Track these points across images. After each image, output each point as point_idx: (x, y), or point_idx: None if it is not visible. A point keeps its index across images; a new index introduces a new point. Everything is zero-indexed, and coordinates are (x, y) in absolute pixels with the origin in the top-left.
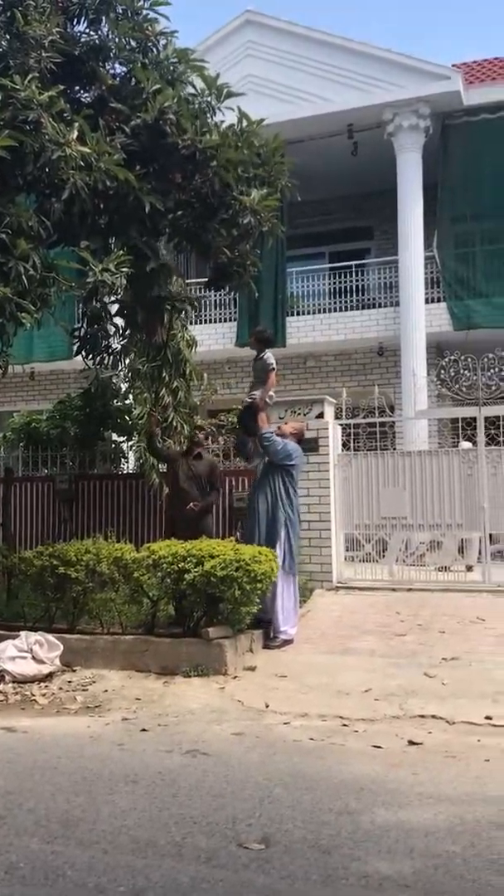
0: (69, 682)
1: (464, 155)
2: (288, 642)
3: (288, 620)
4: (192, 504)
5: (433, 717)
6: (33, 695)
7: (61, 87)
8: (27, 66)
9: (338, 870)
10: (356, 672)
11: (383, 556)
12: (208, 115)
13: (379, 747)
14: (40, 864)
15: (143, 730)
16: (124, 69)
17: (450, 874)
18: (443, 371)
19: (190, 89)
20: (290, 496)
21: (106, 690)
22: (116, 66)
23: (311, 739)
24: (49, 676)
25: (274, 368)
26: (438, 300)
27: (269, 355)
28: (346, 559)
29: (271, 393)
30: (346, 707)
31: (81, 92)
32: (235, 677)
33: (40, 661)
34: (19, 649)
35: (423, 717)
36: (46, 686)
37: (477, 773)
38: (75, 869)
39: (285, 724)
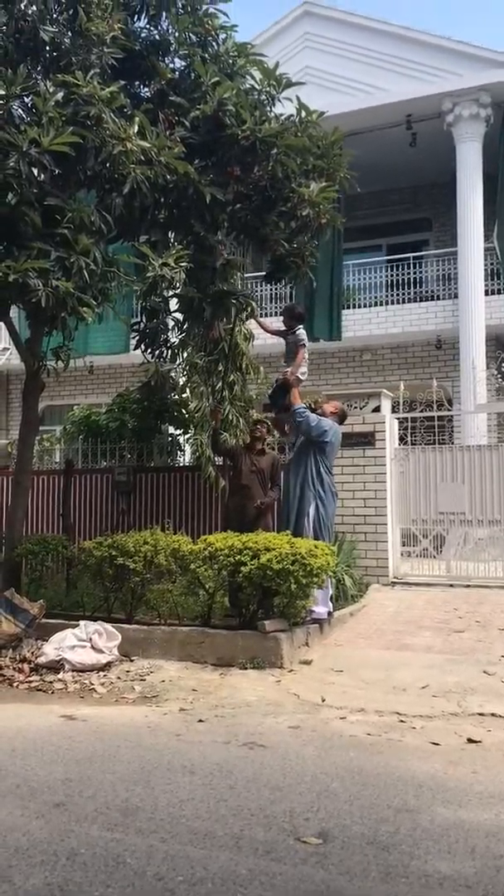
0: (127, 671)
1: None
2: (319, 621)
3: (317, 600)
4: (259, 502)
5: (492, 715)
6: (92, 684)
7: (122, 83)
8: (89, 63)
9: (397, 867)
10: (413, 668)
11: (440, 551)
12: (267, 107)
13: (437, 744)
14: (101, 850)
15: (200, 720)
16: (183, 63)
17: None
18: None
19: (249, 82)
20: (320, 474)
21: (163, 681)
22: (176, 60)
23: (368, 735)
24: (107, 666)
25: (304, 344)
26: (498, 292)
27: (301, 331)
28: (402, 554)
29: (303, 369)
30: (403, 703)
31: (141, 87)
32: (291, 671)
33: (99, 651)
34: (79, 638)
35: (482, 714)
36: (105, 675)
37: None
38: (135, 857)
39: (342, 718)
